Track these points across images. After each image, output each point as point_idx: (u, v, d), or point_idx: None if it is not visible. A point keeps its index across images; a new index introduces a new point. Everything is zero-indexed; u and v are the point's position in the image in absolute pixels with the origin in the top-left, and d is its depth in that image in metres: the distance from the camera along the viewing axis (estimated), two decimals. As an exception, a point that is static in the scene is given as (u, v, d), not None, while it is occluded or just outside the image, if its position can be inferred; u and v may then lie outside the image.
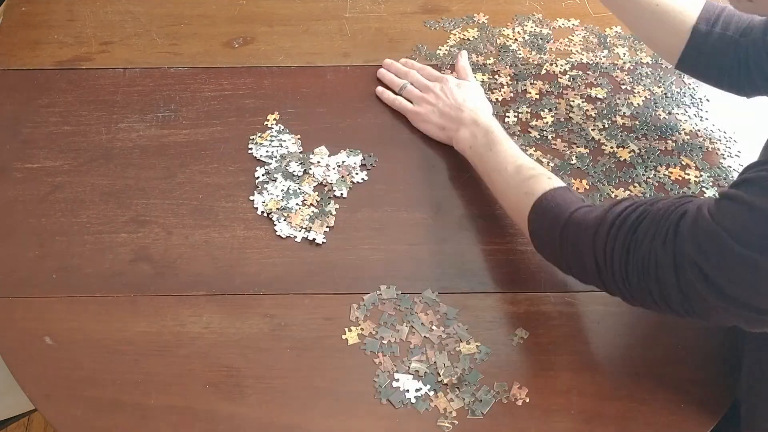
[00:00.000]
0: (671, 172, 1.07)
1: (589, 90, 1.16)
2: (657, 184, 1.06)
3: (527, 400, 0.87)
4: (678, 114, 1.13)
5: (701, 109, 1.14)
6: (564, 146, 1.10)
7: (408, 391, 0.87)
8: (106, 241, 0.99)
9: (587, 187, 1.05)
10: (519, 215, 0.93)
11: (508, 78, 1.17)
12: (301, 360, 0.90)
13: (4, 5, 1.27)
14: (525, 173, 0.94)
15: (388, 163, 1.08)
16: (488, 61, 1.19)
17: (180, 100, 1.14)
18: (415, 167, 1.08)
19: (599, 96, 1.15)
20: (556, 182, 0.91)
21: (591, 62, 1.20)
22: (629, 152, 1.09)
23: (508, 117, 1.13)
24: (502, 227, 1.01)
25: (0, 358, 0.90)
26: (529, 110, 1.13)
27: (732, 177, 1.06)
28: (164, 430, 0.86)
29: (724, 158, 1.09)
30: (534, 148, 1.09)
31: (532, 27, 1.24)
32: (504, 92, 1.15)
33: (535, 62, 1.20)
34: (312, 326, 0.93)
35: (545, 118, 1.13)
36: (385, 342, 0.91)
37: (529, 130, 1.12)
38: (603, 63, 1.19)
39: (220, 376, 0.89)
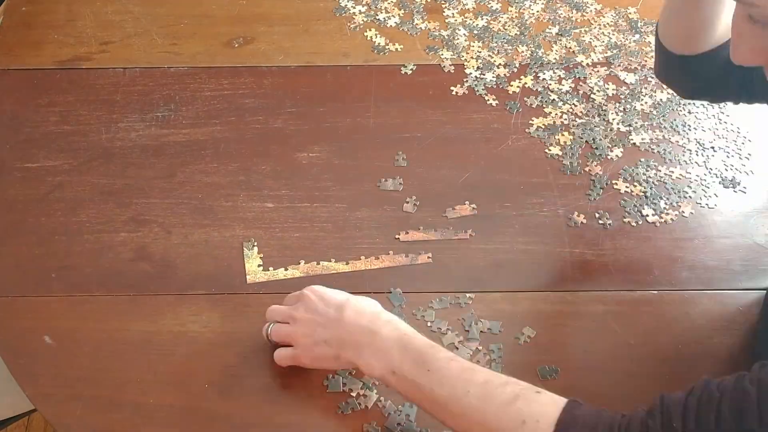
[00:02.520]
0: (672, 171, 1.07)
1: (618, 72, 1.18)
2: (658, 183, 1.06)
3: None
4: (698, 113, 1.13)
5: (723, 112, 1.14)
6: (574, 112, 1.12)
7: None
8: (105, 241, 1.00)
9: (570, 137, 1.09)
10: None
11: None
12: (300, 359, 0.90)
13: (5, 5, 1.27)
14: (500, 393, 0.73)
15: (387, 162, 1.07)
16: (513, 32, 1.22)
17: (180, 99, 1.14)
18: (415, 166, 1.07)
19: (628, 80, 1.16)
20: (552, 396, 0.73)
21: (622, 45, 1.21)
22: (641, 139, 1.10)
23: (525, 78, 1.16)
24: (502, 227, 1.01)
25: (-1, 357, 0.90)
26: (554, 74, 1.17)
27: (734, 177, 1.06)
28: (163, 429, 0.85)
29: (731, 157, 1.08)
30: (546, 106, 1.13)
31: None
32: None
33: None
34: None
35: (564, 86, 1.15)
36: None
37: (549, 92, 1.15)
38: (633, 48, 1.21)
39: (219, 375, 0.89)
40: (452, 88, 1.15)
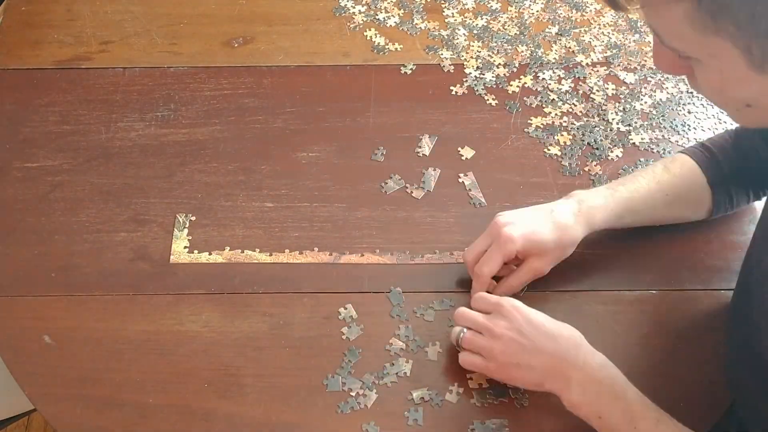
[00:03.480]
0: (671, 171, 1.07)
1: (618, 72, 1.17)
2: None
3: (526, 402, 0.87)
4: (698, 113, 1.13)
5: (723, 112, 1.13)
6: (573, 113, 1.12)
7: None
8: (105, 240, 1.00)
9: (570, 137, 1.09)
10: None
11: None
12: (299, 359, 0.90)
13: (4, 5, 1.27)
14: None
15: (387, 162, 1.07)
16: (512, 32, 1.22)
17: (179, 99, 1.14)
18: (415, 166, 1.07)
19: (627, 80, 1.16)
20: None
21: (622, 44, 1.21)
22: (641, 139, 1.10)
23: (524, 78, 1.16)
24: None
25: (-1, 357, 0.90)
26: (553, 74, 1.17)
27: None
28: (163, 429, 0.86)
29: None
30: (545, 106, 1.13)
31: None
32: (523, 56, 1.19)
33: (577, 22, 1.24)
34: (310, 325, 0.93)
35: (563, 86, 1.15)
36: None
37: (549, 92, 1.15)
38: (632, 48, 1.21)
39: (218, 374, 0.89)
40: (452, 87, 1.15)
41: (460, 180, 1.05)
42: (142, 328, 0.92)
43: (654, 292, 0.96)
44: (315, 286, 0.96)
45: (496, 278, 0.92)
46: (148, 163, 1.07)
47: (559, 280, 0.96)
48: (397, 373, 0.89)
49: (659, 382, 0.89)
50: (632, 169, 1.07)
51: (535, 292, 0.95)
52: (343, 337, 0.92)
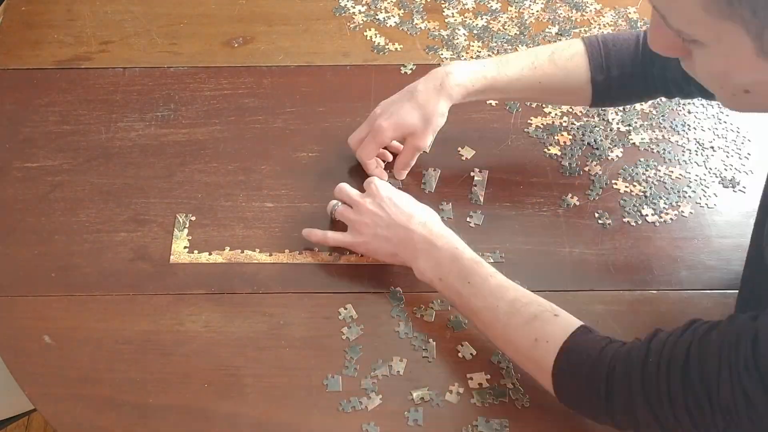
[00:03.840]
0: (671, 171, 1.07)
1: None
2: (657, 183, 1.06)
3: (526, 402, 0.87)
4: (698, 112, 1.13)
5: (722, 111, 1.13)
6: (573, 112, 1.13)
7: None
8: (105, 240, 1.00)
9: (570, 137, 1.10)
10: (530, 363, 0.83)
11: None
12: (299, 359, 0.90)
13: (4, 5, 1.27)
14: (524, 311, 0.83)
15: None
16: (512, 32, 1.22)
17: (179, 99, 1.14)
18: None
19: None
20: (568, 320, 0.82)
21: None
22: (641, 139, 1.10)
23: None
24: (499, 227, 1.01)
25: (-1, 357, 0.90)
26: None
27: (734, 177, 1.06)
28: (163, 429, 0.86)
29: (731, 157, 1.08)
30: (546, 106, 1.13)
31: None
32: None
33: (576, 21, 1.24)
34: (310, 325, 0.93)
35: None
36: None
37: None
38: None
39: (218, 375, 0.89)
40: (452, 87, 1.15)
41: (472, 174, 1.05)
42: (142, 328, 0.92)
43: (654, 292, 0.96)
44: (315, 286, 0.96)
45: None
46: (148, 163, 1.07)
47: (559, 280, 0.96)
48: (390, 371, 0.89)
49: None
50: (632, 169, 1.07)
51: (535, 292, 0.95)
52: (343, 337, 0.92)
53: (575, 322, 0.82)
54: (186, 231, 1.00)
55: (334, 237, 0.97)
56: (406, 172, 1.05)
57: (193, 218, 1.01)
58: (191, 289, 0.95)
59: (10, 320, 0.93)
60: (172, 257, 0.98)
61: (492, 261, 0.97)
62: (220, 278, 0.96)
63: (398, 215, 0.93)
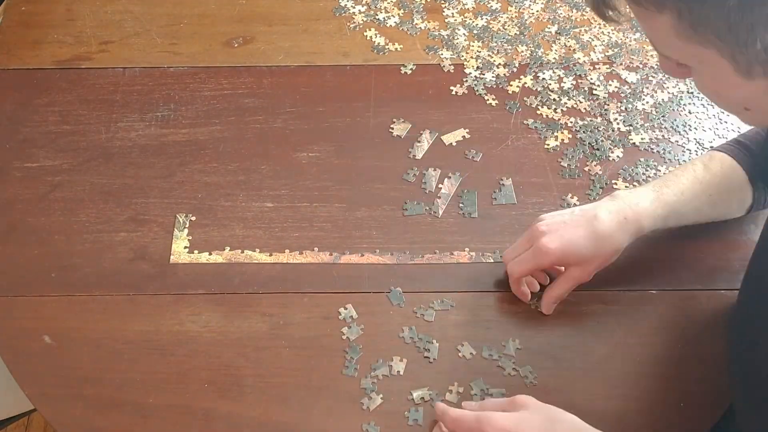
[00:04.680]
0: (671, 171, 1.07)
1: (620, 71, 1.18)
2: (657, 183, 1.06)
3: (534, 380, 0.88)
4: (698, 113, 1.13)
5: (723, 112, 1.13)
6: (576, 110, 1.13)
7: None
8: (105, 240, 1.00)
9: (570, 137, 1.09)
10: None
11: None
12: (299, 359, 0.90)
13: (4, 5, 1.27)
14: None
15: (387, 162, 1.07)
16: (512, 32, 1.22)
17: (179, 99, 1.14)
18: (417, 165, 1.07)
19: (629, 80, 1.16)
20: None
21: (623, 43, 1.21)
22: (641, 139, 1.10)
23: (524, 78, 1.16)
24: (500, 226, 1.01)
25: (-1, 357, 0.90)
26: (554, 74, 1.17)
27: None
28: (163, 429, 0.86)
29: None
30: (546, 106, 1.13)
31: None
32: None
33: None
34: (310, 325, 0.93)
35: (566, 83, 1.15)
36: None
37: (549, 92, 1.15)
38: (634, 46, 1.21)
39: (218, 375, 0.89)
40: (452, 87, 1.15)
41: (501, 181, 1.05)
42: (142, 328, 0.92)
43: (654, 291, 0.96)
44: (315, 286, 0.96)
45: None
46: (148, 163, 1.07)
47: (559, 280, 0.96)
48: (390, 371, 0.89)
49: (659, 382, 0.89)
50: (632, 169, 1.07)
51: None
52: (343, 337, 0.92)
53: None
54: (186, 231, 1.00)
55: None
56: (555, 306, 0.93)
57: (193, 218, 1.01)
58: (191, 289, 0.95)
59: (10, 320, 0.93)
60: (172, 257, 0.98)
61: (492, 261, 0.97)
62: (220, 278, 0.96)
63: None
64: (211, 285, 0.96)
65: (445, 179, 1.05)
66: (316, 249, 0.99)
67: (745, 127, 1.02)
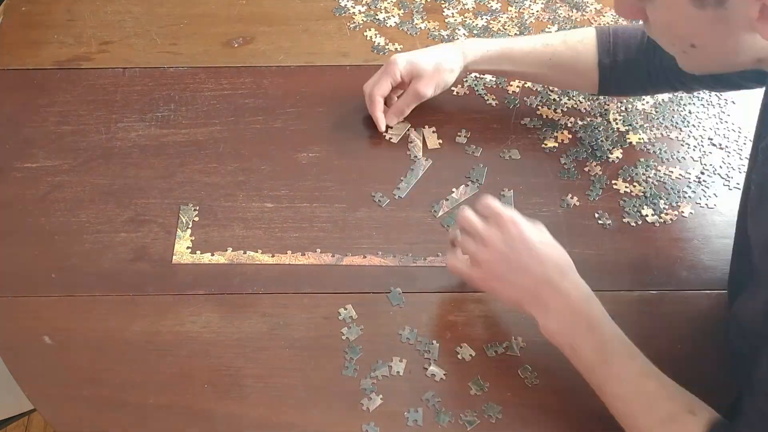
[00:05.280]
0: (671, 172, 1.07)
1: None
2: (657, 183, 1.06)
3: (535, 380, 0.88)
4: (698, 113, 1.13)
5: (724, 111, 1.13)
6: (576, 110, 1.13)
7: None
8: (105, 241, 1.00)
9: (570, 137, 1.10)
10: None
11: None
12: (299, 359, 0.90)
13: (4, 5, 1.27)
14: (660, 409, 0.77)
15: (387, 163, 1.07)
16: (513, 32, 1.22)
17: (179, 99, 1.14)
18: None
19: None
20: (704, 418, 0.76)
21: None
22: (638, 139, 1.10)
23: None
24: (502, 226, 1.01)
25: (-1, 357, 0.90)
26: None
27: (734, 178, 1.06)
28: (163, 430, 0.86)
29: (731, 157, 1.08)
30: (546, 106, 1.13)
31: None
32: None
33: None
34: (310, 325, 0.93)
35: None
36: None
37: (549, 92, 1.15)
38: None
39: (219, 375, 0.89)
40: (453, 88, 1.15)
41: (502, 192, 1.05)
42: (142, 329, 0.92)
43: (654, 292, 0.96)
44: (315, 286, 0.96)
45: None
46: (148, 164, 1.07)
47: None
48: (390, 371, 0.89)
49: (659, 382, 0.89)
50: (632, 169, 1.07)
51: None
52: (343, 337, 0.92)
53: (712, 419, 0.75)
54: (189, 231, 1.00)
55: (457, 267, 0.89)
56: (399, 118, 1.08)
57: (197, 218, 1.01)
58: (191, 290, 0.95)
59: (10, 320, 0.93)
60: (174, 257, 0.98)
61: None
62: (220, 279, 0.96)
63: (529, 262, 0.83)
64: (212, 285, 0.96)
65: (462, 186, 1.05)
66: (318, 250, 0.99)
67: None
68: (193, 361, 0.90)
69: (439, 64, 1.04)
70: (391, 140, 1.09)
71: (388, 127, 1.08)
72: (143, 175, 1.06)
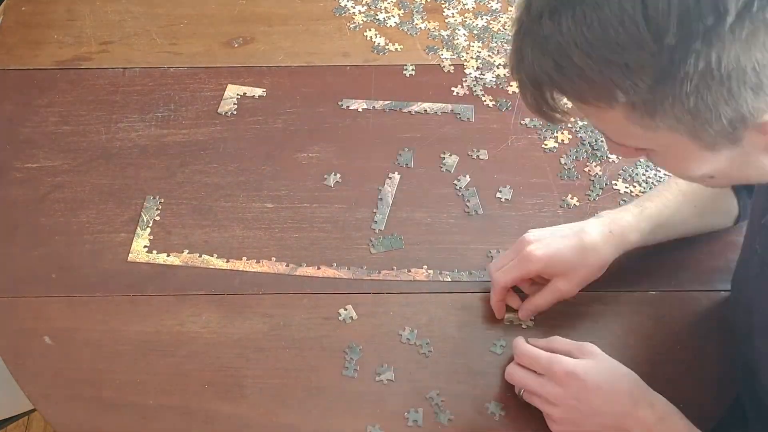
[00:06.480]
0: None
1: None
2: (657, 184, 1.05)
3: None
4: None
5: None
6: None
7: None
8: (105, 241, 1.00)
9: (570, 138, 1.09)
10: None
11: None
12: (299, 360, 0.90)
13: (4, 5, 1.27)
14: None
15: (386, 163, 1.07)
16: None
17: (179, 99, 1.14)
18: (416, 167, 1.07)
19: None
20: None
21: None
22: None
23: None
24: (502, 227, 1.01)
25: (-1, 357, 0.91)
26: None
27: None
28: (163, 430, 0.86)
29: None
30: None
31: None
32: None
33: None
34: (310, 326, 0.93)
35: None
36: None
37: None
38: None
39: (219, 375, 0.89)
40: (453, 88, 1.15)
41: (498, 195, 1.04)
42: (142, 329, 0.92)
43: (654, 292, 0.96)
44: (315, 286, 0.96)
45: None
46: (148, 164, 1.07)
47: (559, 280, 0.96)
48: (390, 372, 0.89)
49: (659, 383, 0.88)
50: (632, 170, 1.07)
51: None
52: (343, 338, 0.92)
53: None
54: (148, 230, 1.00)
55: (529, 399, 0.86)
56: (533, 315, 0.93)
57: (158, 218, 1.01)
58: (191, 290, 0.95)
59: (10, 321, 0.93)
60: (130, 255, 0.98)
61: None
62: (220, 279, 0.96)
63: (600, 405, 0.81)
64: (212, 286, 0.96)
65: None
66: (330, 266, 0.99)
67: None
68: (193, 361, 0.90)
69: (587, 262, 0.89)
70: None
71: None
72: (143, 176, 1.06)
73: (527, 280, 0.92)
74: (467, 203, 1.03)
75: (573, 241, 0.89)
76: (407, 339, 0.92)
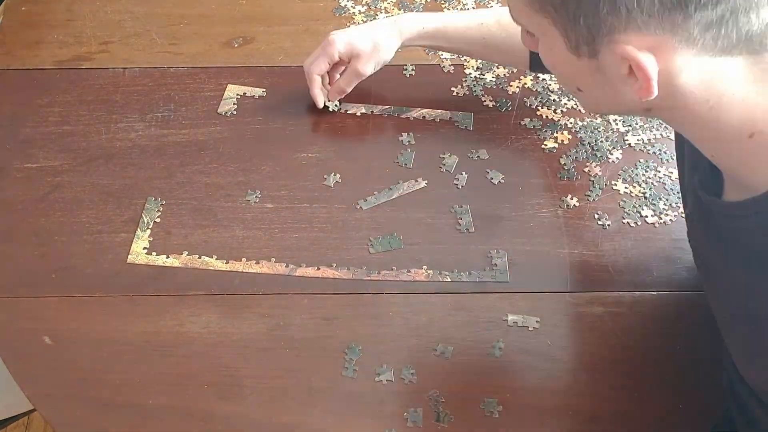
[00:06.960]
0: (671, 172, 1.07)
1: None
2: (657, 184, 1.06)
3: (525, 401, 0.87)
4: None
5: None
6: (575, 111, 1.13)
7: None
8: (105, 241, 1.00)
9: (569, 138, 1.10)
10: None
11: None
12: (299, 360, 0.90)
13: (4, 5, 1.27)
14: None
15: (387, 163, 1.07)
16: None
17: (179, 99, 1.14)
18: (416, 167, 1.07)
19: None
20: None
21: None
22: (636, 140, 1.10)
23: (524, 78, 1.17)
24: (503, 228, 1.01)
25: (-1, 357, 0.91)
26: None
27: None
28: (163, 430, 0.86)
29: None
30: (545, 107, 1.14)
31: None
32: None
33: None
34: (310, 326, 0.93)
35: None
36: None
37: (549, 92, 1.16)
38: None
39: (218, 376, 0.89)
40: (453, 88, 1.15)
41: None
42: (142, 330, 0.92)
43: (654, 293, 0.96)
44: (315, 287, 0.96)
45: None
46: (148, 164, 1.07)
47: (558, 281, 0.96)
48: (390, 373, 0.89)
49: (658, 384, 0.89)
50: (632, 170, 1.07)
51: (534, 293, 0.95)
52: (343, 338, 0.92)
53: None
54: (148, 232, 1.00)
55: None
56: (340, 96, 1.11)
57: (158, 219, 1.01)
58: (191, 290, 0.96)
59: (10, 321, 0.93)
60: (129, 257, 0.98)
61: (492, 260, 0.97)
62: (220, 279, 0.96)
63: None
64: (211, 286, 0.96)
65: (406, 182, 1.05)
66: (329, 266, 0.99)
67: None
68: (192, 361, 0.90)
69: (377, 44, 1.07)
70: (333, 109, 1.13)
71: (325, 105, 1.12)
72: (143, 176, 1.06)
73: (335, 69, 1.10)
74: (459, 221, 1.02)
75: (365, 29, 1.08)
76: (407, 339, 0.92)
